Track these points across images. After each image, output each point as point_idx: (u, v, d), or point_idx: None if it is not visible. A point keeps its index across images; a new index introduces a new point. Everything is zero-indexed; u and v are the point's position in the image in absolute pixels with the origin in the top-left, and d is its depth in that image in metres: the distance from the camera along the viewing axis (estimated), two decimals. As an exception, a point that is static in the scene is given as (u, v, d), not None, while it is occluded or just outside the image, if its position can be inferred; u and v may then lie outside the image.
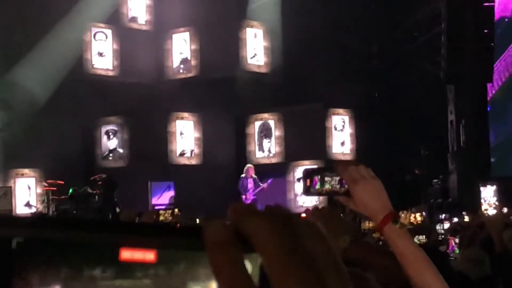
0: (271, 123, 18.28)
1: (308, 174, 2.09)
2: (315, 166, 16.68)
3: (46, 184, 15.55)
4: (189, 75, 18.70)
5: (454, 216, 12.60)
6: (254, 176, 16.03)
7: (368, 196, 1.96)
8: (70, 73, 16.81)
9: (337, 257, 0.52)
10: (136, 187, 16.11)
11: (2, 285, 0.52)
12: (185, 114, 18.10)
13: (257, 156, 18.29)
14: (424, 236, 6.97)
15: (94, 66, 18.19)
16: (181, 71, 18.97)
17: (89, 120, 17.28)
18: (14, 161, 16.13)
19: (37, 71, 16.30)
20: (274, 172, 17.02)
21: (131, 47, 18.25)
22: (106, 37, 18.39)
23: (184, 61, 18.94)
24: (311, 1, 17.88)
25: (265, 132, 18.33)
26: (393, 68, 19.14)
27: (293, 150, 17.59)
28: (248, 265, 0.51)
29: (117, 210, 14.82)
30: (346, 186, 2.00)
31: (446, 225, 10.84)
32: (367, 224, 8.16)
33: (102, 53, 18.32)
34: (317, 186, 2.06)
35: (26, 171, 16.54)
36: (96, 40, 18.26)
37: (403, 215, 5.43)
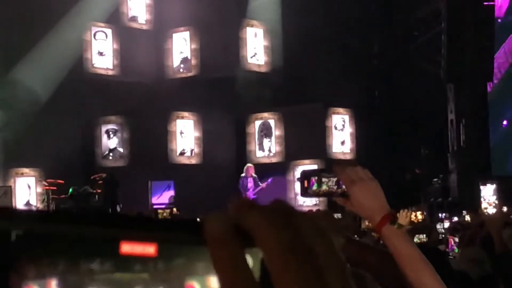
0: (271, 122, 18.29)
1: (305, 176, 2.10)
2: (313, 168, 16.73)
3: (46, 184, 15.56)
4: (189, 74, 18.71)
5: (454, 215, 12.60)
6: (254, 175, 16.04)
7: (365, 197, 1.96)
8: (70, 72, 16.81)
9: (338, 253, 0.52)
10: (136, 186, 16.12)
11: (1, 276, 0.52)
12: (185, 114, 18.11)
13: (257, 155, 18.30)
14: (424, 235, 6.98)
15: (94, 65, 18.20)
16: (181, 70, 18.97)
17: (89, 120, 17.28)
18: (14, 161, 16.14)
19: (37, 70, 16.30)
20: (274, 172, 17.03)
21: (131, 47, 18.26)
22: (106, 37, 18.39)
23: (184, 60, 18.95)
24: (311, 0, 17.89)
25: (265, 131, 18.34)
26: (393, 68, 19.14)
27: (293, 150, 17.60)
28: (249, 260, 0.51)
29: (118, 209, 14.84)
30: (344, 187, 2.01)
31: (447, 224, 10.84)
32: (367, 223, 8.16)
33: (102, 53, 18.32)
34: (314, 187, 2.06)
35: (26, 170, 16.55)
36: (96, 40, 18.27)
37: (403, 213, 5.42)
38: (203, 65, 18.37)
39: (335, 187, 2.03)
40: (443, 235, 8.90)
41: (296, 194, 17.08)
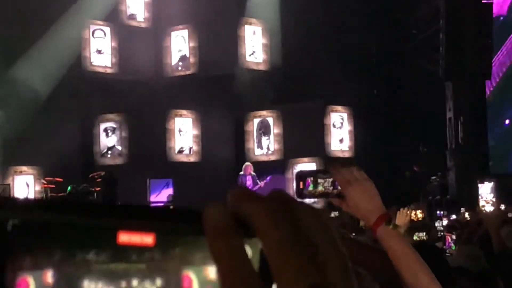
0: (270, 120, 18.29)
1: (300, 177, 2.11)
2: (311, 166, 16.72)
3: (44, 182, 15.55)
4: (188, 72, 18.69)
5: (452, 213, 12.61)
6: (253, 173, 16.04)
7: (360, 198, 1.97)
8: (69, 70, 16.80)
9: (339, 243, 0.51)
10: (135, 184, 16.10)
11: None
12: (184, 112, 18.10)
13: (255, 153, 18.29)
14: (424, 233, 6.98)
15: (93, 63, 18.18)
16: (179, 68, 18.96)
17: (88, 118, 17.27)
18: (13, 159, 16.12)
19: (36, 68, 16.29)
20: (273, 169, 17.03)
21: (129, 45, 18.24)
22: (105, 35, 18.37)
23: (183, 58, 18.93)
24: (310, -2, 17.88)
25: (264, 129, 18.34)
26: (392, 66, 19.13)
27: (291, 148, 17.60)
28: (248, 250, 0.51)
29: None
30: (339, 188, 2.01)
31: (445, 222, 10.84)
32: (365, 221, 8.13)
33: (100, 51, 18.31)
34: (310, 188, 2.07)
35: (24, 168, 16.53)
36: (94, 38, 18.25)
37: (404, 212, 5.43)
38: (202, 63, 18.35)
39: (331, 188, 2.04)
40: (441, 233, 8.90)
41: (294, 193, 17.07)
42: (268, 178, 16.09)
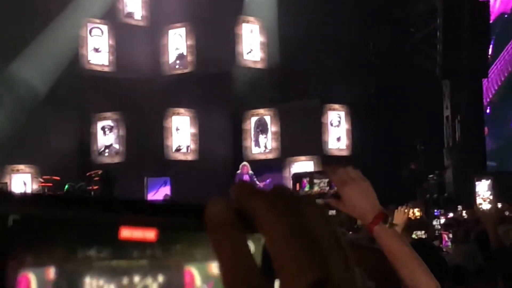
0: (267, 118, 18.28)
1: (297, 178, 2.12)
2: (309, 164, 16.69)
3: (42, 180, 15.53)
4: (185, 70, 18.68)
5: (449, 211, 12.63)
6: (250, 172, 16.03)
7: (357, 197, 1.97)
8: (66, 69, 16.79)
9: (341, 237, 0.51)
10: (132, 183, 16.08)
11: None
12: (181, 110, 18.09)
13: (253, 151, 18.29)
14: (423, 232, 6.99)
15: (90, 61, 18.16)
16: (177, 66, 18.95)
17: (85, 116, 17.25)
18: (10, 157, 16.10)
19: (33, 67, 16.27)
20: (270, 168, 17.02)
21: (127, 43, 18.22)
22: (102, 33, 18.36)
23: (180, 56, 18.92)
24: (307, -4, 17.87)
25: (261, 127, 18.33)
26: (390, 64, 19.13)
27: (289, 146, 17.60)
28: (251, 245, 0.50)
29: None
30: (336, 188, 2.01)
31: (443, 220, 10.87)
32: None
33: (98, 49, 18.29)
34: (306, 189, 2.07)
35: (21, 167, 16.52)
36: (92, 36, 18.23)
37: (402, 210, 5.44)
38: (199, 61, 18.34)
39: (327, 188, 2.05)
40: (440, 232, 8.91)
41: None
42: (267, 180, 15.98)
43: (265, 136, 18.30)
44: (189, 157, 18.08)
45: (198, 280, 0.54)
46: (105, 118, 17.71)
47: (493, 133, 18.20)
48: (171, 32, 18.97)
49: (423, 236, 6.80)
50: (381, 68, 19.23)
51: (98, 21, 18.21)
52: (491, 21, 17.00)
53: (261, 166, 16.84)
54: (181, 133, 18.07)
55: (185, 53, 18.84)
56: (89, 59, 18.14)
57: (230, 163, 17.40)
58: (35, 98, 16.20)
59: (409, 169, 18.49)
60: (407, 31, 19.48)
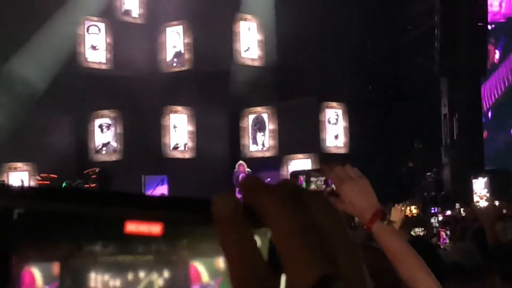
0: (265, 116, 18.29)
1: (294, 176, 2.12)
2: (306, 161, 16.70)
3: (39, 178, 15.52)
4: (183, 68, 18.67)
5: (447, 209, 12.64)
6: (247, 170, 16.04)
7: (355, 195, 1.98)
8: (64, 66, 16.77)
9: (348, 232, 0.51)
10: (130, 181, 16.07)
11: (1, 257, 0.49)
12: (179, 108, 18.08)
13: (251, 149, 18.30)
14: (422, 229, 6.99)
15: (88, 59, 18.15)
16: (174, 64, 18.93)
17: (83, 114, 17.24)
18: (7, 155, 16.09)
19: (31, 65, 16.26)
20: (268, 166, 17.03)
21: (124, 41, 18.21)
22: (99, 31, 18.34)
23: (178, 54, 18.91)
24: (305, -6, 17.87)
25: (259, 125, 18.34)
26: (387, 62, 19.15)
27: (286, 144, 17.60)
28: (258, 240, 0.50)
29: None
30: (333, 186, 2.01)
31: (440, 218, 10.87)
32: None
33: (95, 47, 18.27)
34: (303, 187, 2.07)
35: (19, 165, 16.50)
36: (89, 34, 18.22)
37: (399, 207, 5.44)
38: (197, 59, 18.33)
39: (323, 186, 2.05)
40: (438, 230, 8.93)
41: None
42: (267, 180, 16.00)
43: (262, 134, 18.30)
44: (187, 155, 18.08)
45: (204, 275, 0.54)
46: (102, 116, 17.70)
47: (492, 137, 18.17)
48: (168, 30, 18.96)
49: (422, 233, 6.80)
50: (379, 66, 19.24)
51: (95, 19, 18.19)
52: (500, 23, 16.93)
53: (258, 164, 16.84)
54: (179, 131, 18.07)
55: (182, 51, 18.83)
56: (86, 57, 18.12)
57: (228, 161, 17.41)
58: (33, 96, 16.19)
59: (406, 167, 18.50)
60: (405, 29, 19.49)
